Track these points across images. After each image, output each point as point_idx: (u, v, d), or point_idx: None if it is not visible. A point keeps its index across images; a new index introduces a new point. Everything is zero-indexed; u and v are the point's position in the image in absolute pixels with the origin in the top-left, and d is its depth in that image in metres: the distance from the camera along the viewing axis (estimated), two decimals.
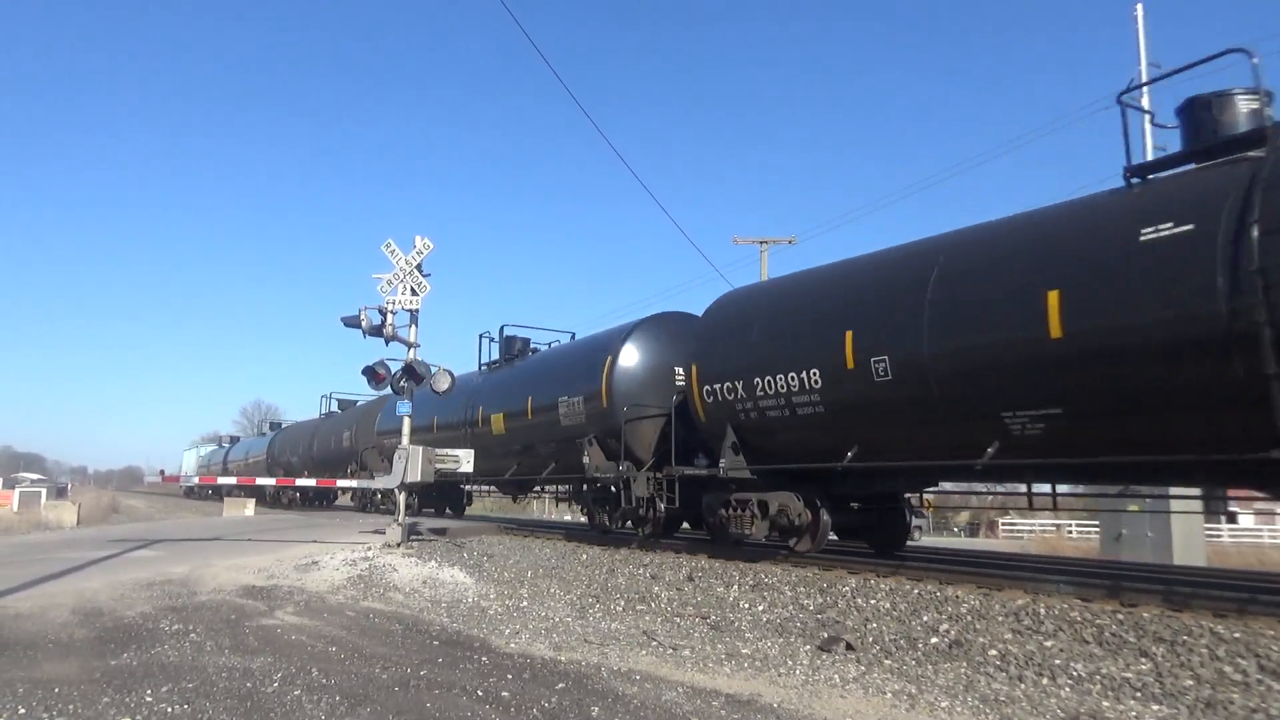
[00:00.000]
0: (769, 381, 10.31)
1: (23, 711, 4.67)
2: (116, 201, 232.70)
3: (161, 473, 36.73)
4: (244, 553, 12.88)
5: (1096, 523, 22.10)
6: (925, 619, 7.25)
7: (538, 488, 18.94)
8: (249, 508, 29.83)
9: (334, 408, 33.78)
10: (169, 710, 4.74)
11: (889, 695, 5.31)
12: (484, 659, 6.20)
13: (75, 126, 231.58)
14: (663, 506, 13.01)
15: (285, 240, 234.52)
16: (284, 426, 41.75)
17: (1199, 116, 7.34)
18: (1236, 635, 5.92)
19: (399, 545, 13.24)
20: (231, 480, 25.61)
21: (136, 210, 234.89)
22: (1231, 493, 9.68)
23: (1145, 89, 11.16)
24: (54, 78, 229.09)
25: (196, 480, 44.77)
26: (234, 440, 56.19)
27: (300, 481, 21.94)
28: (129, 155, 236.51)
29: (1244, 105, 7.10)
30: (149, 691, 5.10)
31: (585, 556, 12.14)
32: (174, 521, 26.13)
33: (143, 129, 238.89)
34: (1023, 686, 5.50)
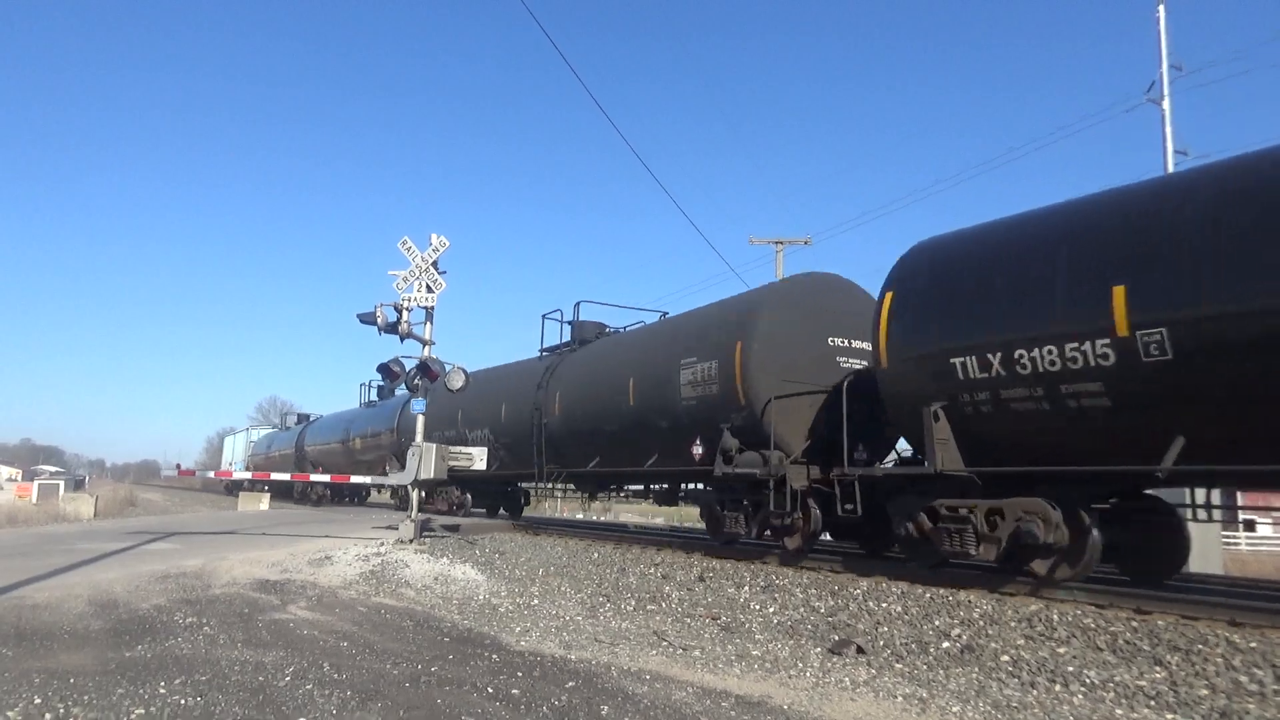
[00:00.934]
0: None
1: (39, 701, 4.72)
2: (137, 201, 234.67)
3: (178, 466, 36.52)
4: (258, 547, 12.97)
5: None
6: (937, 623, 7.21)
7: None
8: (264, 502, 30.07)
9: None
10: (182, 702, 4.78)
11: (900, 699, 5.29)
12: (494, 656, 6.22)
13: (91, 122, 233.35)
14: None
15: (301, 240, 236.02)
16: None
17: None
18: (1253, 645, 5.86)
19: (411, 541, 13.29)
20: (326, 478, 21.03)
21: (157, 210, 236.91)
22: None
23: (1166, 92, 11.46)
24: (70, 80, 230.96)
25: (248, 475, 33.29)
26: (305, 419, 40.26)
27: (319, 478, 21.10)
28: (149, 156, 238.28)
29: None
30: (162, 683, 5.14)
31: (596, 555, 12.15)
32: (190, 515, 26.32)
33: (161, 130, 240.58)
34: (1035, 693, 5.46)
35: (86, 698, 4.80)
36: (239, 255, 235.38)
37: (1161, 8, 21.94)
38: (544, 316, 18.17)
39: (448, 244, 14.22)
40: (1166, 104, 21.45)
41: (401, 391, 23.26)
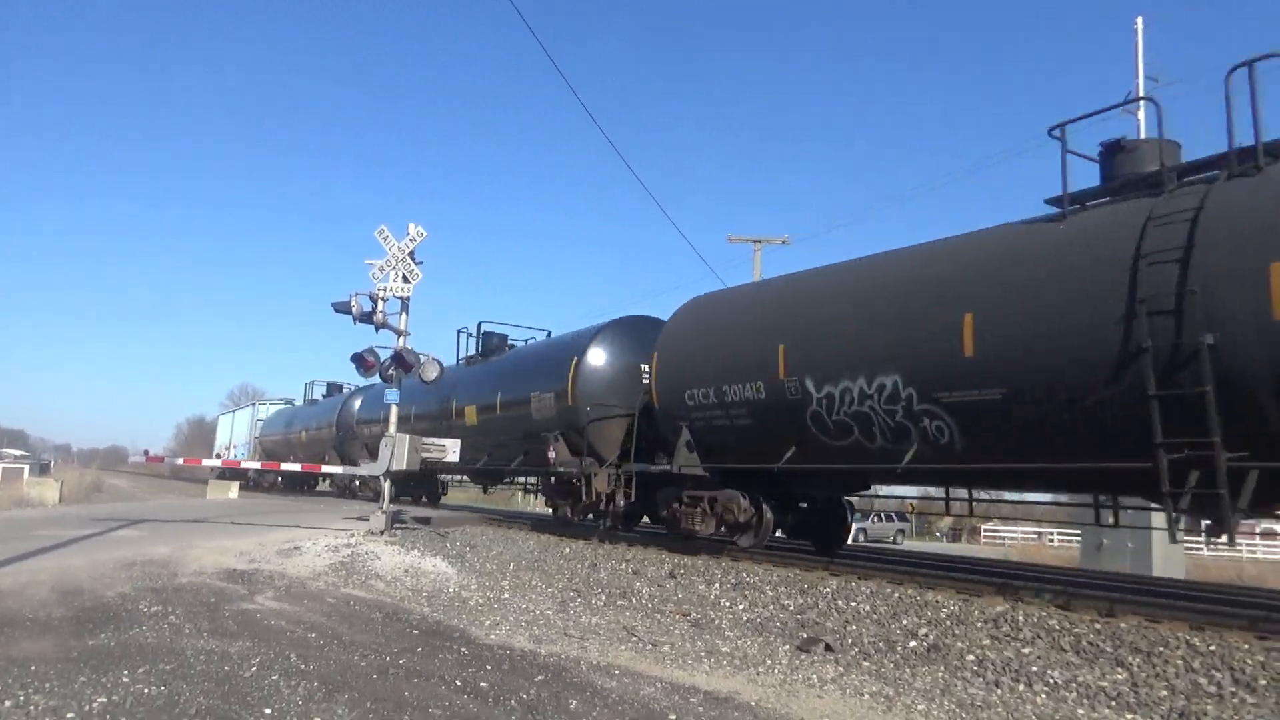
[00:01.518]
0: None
1: None
2: (107, 184, 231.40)
3: (146, 453, 35.51)
4: (226, 536, 12.84)
5: (1078, 532, 22.24)
6: (905, 622, 7.28)
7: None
8: (232, 490, 29.75)
9: None
10: (145, 691, 4.72)
11: (866, 697, 5.33)
12: (463, 649, 6.20)
13: (62, 108, 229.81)
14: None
15: (274, 226, 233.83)
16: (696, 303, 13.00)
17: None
18: (1212, 648, 5.96)
19: (382, 533, 13.21)
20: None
21: (127, 194, 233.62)
22: None
23: (1142, 106, 11.72)
24: (43, 66, 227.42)
25: (255, 464, 27.85)
26: (338, 389, 31.36)
27: (287, 466, 20.87)
28: (122, 137, 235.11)
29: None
30: (126, 672, 5.08)
31: (568, 550, 12.13)
32: (157, 502, 26.01)
33: (138, 113, 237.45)
34: (999, 692, 5.53)
35: (48, 685, 4.73)
36: (212, 242, 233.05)
37: (1140, 20, 22.24)
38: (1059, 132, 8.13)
39: (425, 234, 14.13)
40: (1142, 115, 21.74)
41: (562, 335, 17.29)
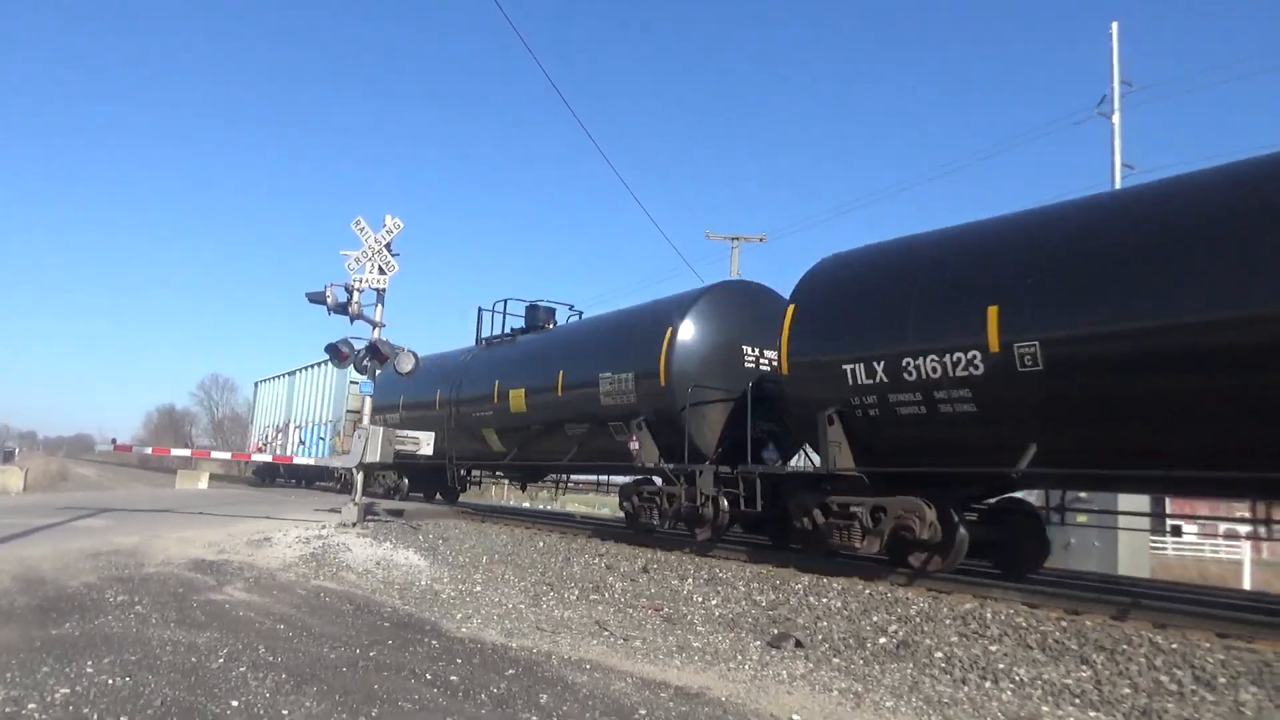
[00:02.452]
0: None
1: None
2: (73, 170, 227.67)
3: (114, 442, 34.38)
4: (195, 526, 12.70)
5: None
6: (875, 619, 7.34)
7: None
8: (202, 480, 29.43)
9: None
10: (110, 682, 4.66)
11: (835, 693, 5.37)
12: (434, 642, 6.18)
13: (28, 76, 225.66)
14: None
15: (246, 215, 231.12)
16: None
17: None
18: (1174, 646, 6.06)
19: (354, 525, 13.13)
20: None
21: (93, 180, 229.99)
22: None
23: (1117, 107, 11.90)
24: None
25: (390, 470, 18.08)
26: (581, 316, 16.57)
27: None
28: (87, 123, 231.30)
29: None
30: (90, 662, 5.01)
31: (541, 544, 12.13)
32: (125, 491, 25.68)
33: (103, 98, 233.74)
34: (966, 689, 5.59)
35: (9, 675, 4.66)
36: (183, 230, 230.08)
37: (1115, 25, 22.52)
38: None
39: (402, 226, 14.02)
40: (1116, 119, 22.03)
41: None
